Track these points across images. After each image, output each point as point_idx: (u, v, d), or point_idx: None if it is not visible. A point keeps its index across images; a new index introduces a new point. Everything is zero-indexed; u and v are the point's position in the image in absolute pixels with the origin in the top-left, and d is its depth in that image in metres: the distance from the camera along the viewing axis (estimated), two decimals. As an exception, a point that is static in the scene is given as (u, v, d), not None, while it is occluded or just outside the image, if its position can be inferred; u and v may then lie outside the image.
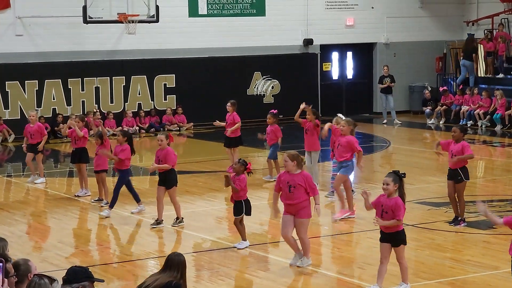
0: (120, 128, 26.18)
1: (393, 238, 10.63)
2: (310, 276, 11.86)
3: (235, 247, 13.14)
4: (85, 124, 18.30)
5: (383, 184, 10.59)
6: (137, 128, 28.13)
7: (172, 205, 14.74)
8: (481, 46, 30.43)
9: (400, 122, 29.53)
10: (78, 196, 17.48)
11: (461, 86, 30.37)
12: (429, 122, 29.88)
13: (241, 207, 13.09)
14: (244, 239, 13.25)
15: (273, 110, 19.31)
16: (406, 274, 10.82)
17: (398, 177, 10.58)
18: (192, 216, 15.60)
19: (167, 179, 14.60)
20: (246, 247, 13.17)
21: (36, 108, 25.85)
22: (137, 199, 15.90)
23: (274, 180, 16.89)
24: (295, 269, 11.98)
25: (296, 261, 12.09)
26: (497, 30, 30.86)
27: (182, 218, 14.82)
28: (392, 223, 10.47)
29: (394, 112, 30.01)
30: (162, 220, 14.73)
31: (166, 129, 28.34)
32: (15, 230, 15.03)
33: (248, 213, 13.18)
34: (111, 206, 15.58)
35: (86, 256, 13.09)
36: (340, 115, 16.64)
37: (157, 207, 14.73)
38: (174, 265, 8.32)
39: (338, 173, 15.16)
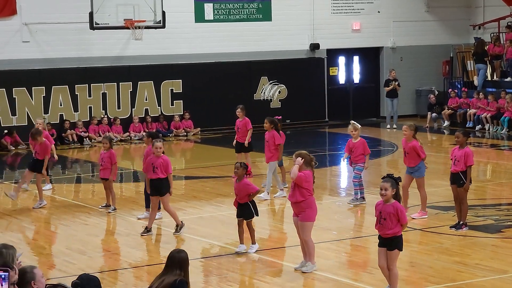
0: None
1: (389, 242, 10.55)
2: (318, 281, 11.84)
3: (247, 252, 13.12)
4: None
5: (381, 190, 10.48)
6: (144, 133, 28.16)
7: (168, 213, 14.64)
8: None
9: (395, 127, 29.13)
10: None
11: (465, 89, 30.35)
12: (437, 126, 29.82)
13: (251, 209, 13.08)
14: (254, 242, 13.24)
15: (277, 117, 18.56)
16: (396, 282, 10.68)
17: (395, 181, 10.55)
18: (200, 221, 15.61)
19: (162, 187, 14.41)
20: (257, 250, 13.16)
21: (44, 117, 25.75)
22: None
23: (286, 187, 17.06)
24: (303, 274, 11.96)
25: (302, 265, 12.10)
26: (505, 33, 30.77)
27: (182, 222, 14.70)
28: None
29: (396, 116, 29.87)
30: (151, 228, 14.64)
31: (174, 133, 28.60)
32: (24, 237, 15.06)
33: (257, 213, 13.16)
34: None
35: (94, 262, 13.08)
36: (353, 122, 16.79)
37: (151, 215, 14.67)
38: (176, 263, 8.32)
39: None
